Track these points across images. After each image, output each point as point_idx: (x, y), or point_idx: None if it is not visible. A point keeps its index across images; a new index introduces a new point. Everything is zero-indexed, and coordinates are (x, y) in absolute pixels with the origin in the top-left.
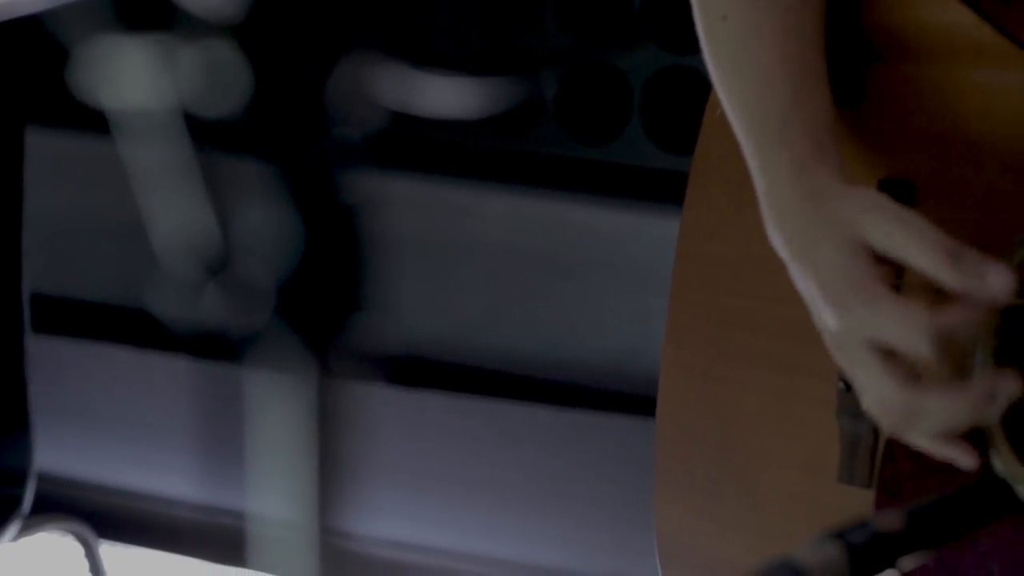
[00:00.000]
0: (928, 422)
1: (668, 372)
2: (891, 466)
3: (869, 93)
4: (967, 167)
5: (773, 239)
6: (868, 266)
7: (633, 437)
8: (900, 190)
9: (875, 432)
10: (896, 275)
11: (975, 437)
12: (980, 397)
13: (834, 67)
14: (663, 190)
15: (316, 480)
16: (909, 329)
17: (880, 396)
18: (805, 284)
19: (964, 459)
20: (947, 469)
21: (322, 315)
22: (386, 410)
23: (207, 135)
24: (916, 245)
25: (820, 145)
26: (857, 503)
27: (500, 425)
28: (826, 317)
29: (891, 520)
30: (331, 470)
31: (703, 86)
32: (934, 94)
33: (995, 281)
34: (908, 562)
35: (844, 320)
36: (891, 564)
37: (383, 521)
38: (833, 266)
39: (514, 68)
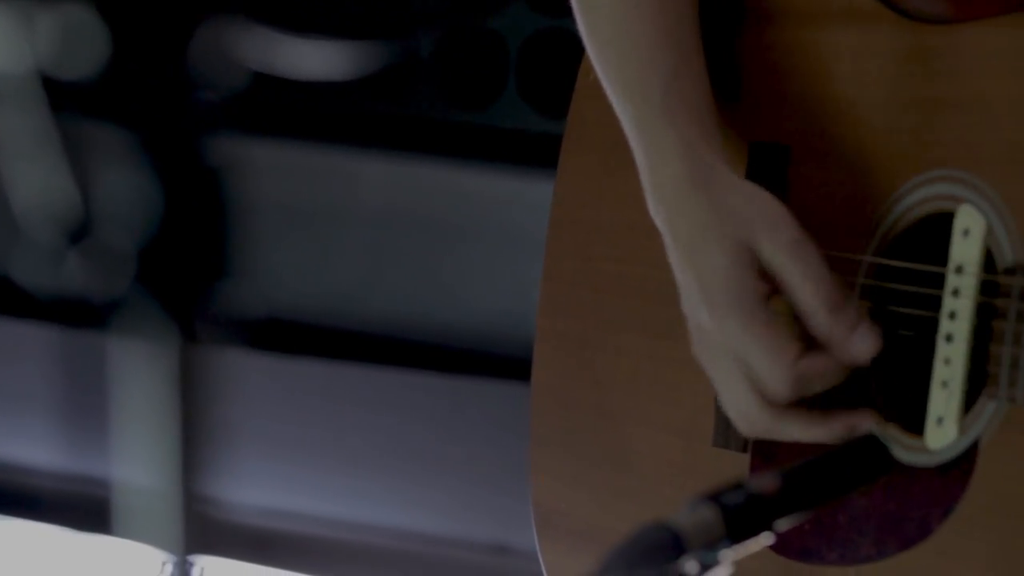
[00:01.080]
0: (786, 437)
1: (543, 339)
2: None
3: (741, 58)
4: (840, 129)
5: (655, 215)
6: (753, 281)
7: (511, 402)
8: (774, 154)
9: None
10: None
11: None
12: (839, 433)
13: (706, 34)
14: (540, 154)
15: (180, 447)
16: (775, 365)
17: (740, 409)
18: (683, 272)
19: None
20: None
21: (185, 281)
22: (259, 377)
23: (66, 99)
24: (803, 281)
25: (704, 122)
26: (733, 467)
27: (375, 391)
28: (699, 314)
29: (766, 482)
30: (196, 437)
31: (579, 49)
32: (806, 57)
33: (862, 345)
34: (783, 524)
35: (716, 326)
36: (767, 526)
37: (253, 488)
38: (717, 268)
39: (388, 30)
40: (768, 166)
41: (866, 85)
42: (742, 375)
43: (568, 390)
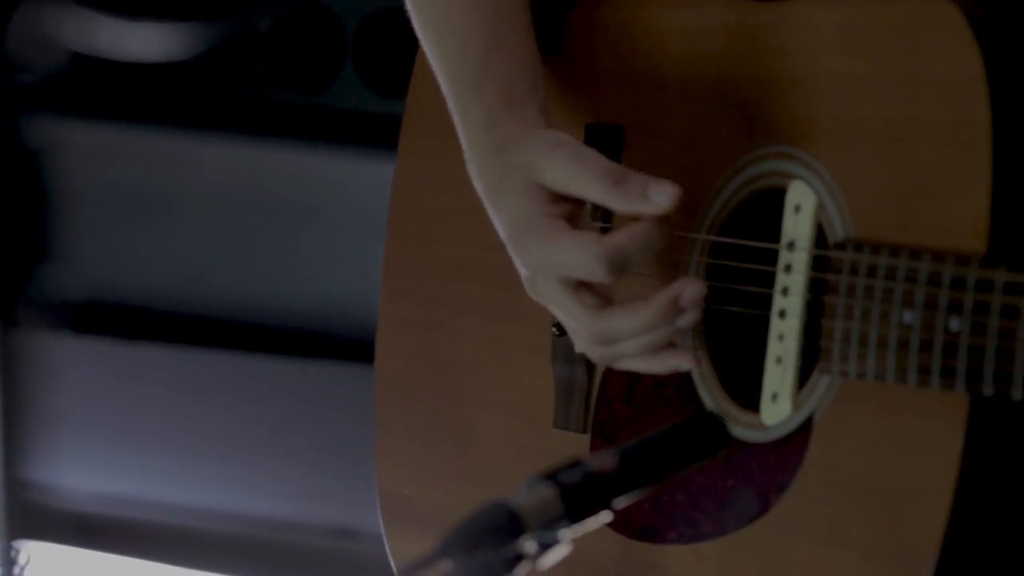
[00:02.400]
0: (629, 343)
1: (385, 325)
2: (606, 410)
3: (573, 39)
4: (674, 107)
5: (476, 187)
6: (544, 206)
7: (355, 385)
8: (607, 133)
9: (589, 377)
10: (603, 219)
11: (681, 378)
12: (665, 306)
13: (537, 15)
14: (379, 134)
15: (1, 433)
16: (583, 256)
17: (577, 328)
18: (499, 230)
19: (685, 363)
20: (660, 412)
21: (4, 265)
22: (90, 362)
23: None
24: (584, 176)
25: (513, 96)
26: (574, 448)
27: (215, 375)
28: (516, 260)
29: (604, 460)
30: (19, 422)
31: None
32: (639, 37)
33: (657, 197)
34: (622, 501)
35: (528, 260)
36: (605, 504)
37: (81, 474)
38: (514, 210)
39: (222, 10)
40: (603, 146)
41: (699, 64)
42: (564, 287)
43: (411, 375)
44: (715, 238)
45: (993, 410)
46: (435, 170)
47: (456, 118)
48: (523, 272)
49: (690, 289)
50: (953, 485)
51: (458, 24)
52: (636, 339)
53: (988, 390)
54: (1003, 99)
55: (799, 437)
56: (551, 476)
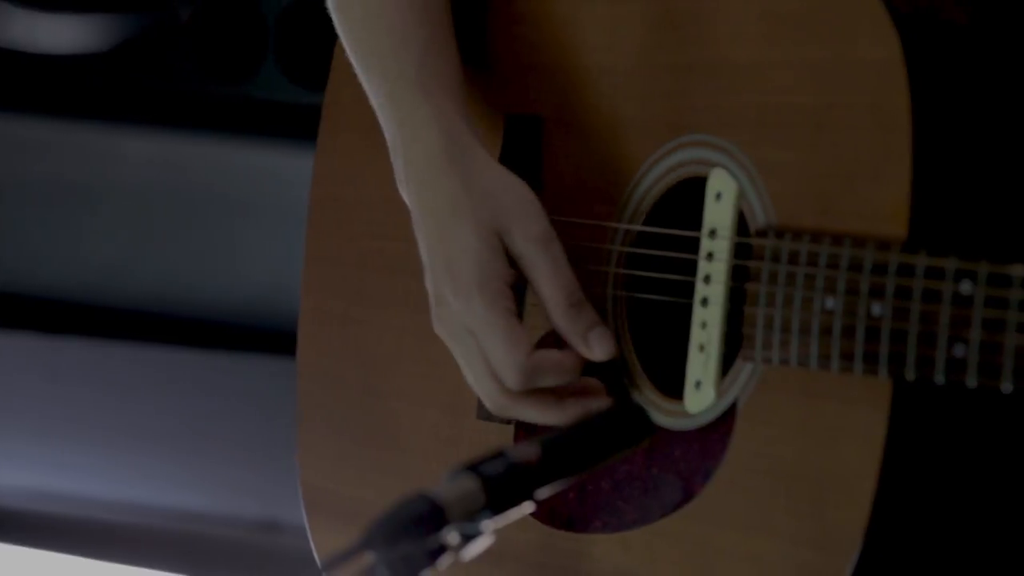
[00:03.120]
0: (525, 419)
1: (307, 318)
2: None
3: (493, 31)
4: (593, 98)
5: (403, 189)
6: (501, 266)
7: (279, 377)
8: (527, 125)
9: None
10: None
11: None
12: (573, 415)
13: (457, 7)
14: (301, 126)
15: None
16: (508, 355)
17: (480, 387)
18: (430, 247)
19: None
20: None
21: None
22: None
23: None
24: (549, 275)
25: (456, 96)
26: (498, 440)
27: (139, 368)
28: (443, 288)
29: (526, 451)
30: None
31: None
32: (558, 27)
33: (596, 346)
34: (545, 492)
35: (460, 305)
36: (528, 495)
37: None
38: (468, 248)
39: (142, 1)
40: (522, 137)
41: (618, 53)
42: (479, 354)
43: (334, 368)
44: (637, 227)
45: (916, 395)
46: (355, 164)
47: (390, 115)
48: (442, 300)
49: (600, 402)
50: (877, 470)
51: (396, 21)
52: (534, 418)
53: (911, 375)
54: (922, 84)
55: (723, 424)
56: (473, 467)
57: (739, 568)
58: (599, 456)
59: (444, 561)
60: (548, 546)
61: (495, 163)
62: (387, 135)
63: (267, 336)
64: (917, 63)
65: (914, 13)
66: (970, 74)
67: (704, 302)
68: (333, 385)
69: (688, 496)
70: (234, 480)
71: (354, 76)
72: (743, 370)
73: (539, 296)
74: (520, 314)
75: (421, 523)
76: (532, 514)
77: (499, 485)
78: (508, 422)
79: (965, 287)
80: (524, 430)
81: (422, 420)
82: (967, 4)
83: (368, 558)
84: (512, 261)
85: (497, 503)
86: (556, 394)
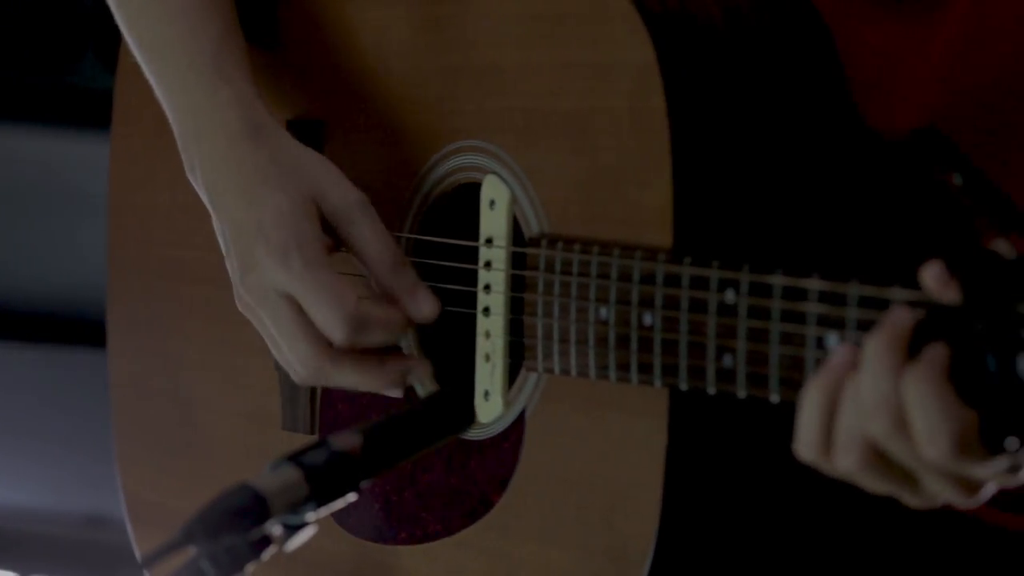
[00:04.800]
0: (339, 382)
1: (114, 327)
2: (331, 411)
3: (281, 33)
4: (370, 103)
5: (194, 176)
6: (317, 230)
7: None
8: (308, 130)
9: None
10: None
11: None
12: (394, 378)
13: (247, 8)
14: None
15: None
16: (334, 306)
17: (292, 351)
18: (233, 220)
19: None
20: (383, 408)
21: None
22: None
23: None
24: (370, 236)
25: (253, 81)
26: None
27: None
28: (253, 252)
29: (348, 440)
30: None
31: None
32: (335, 31)
33: (423, 304)
34: (368, 481)
35: (275, 263)
36: (352, 485)
37: None
38: (282, 212)
39: None
40: (304, 142)
41: (391, 57)
42: (294, 316)
43: (144, 378)
44: (416, 236)
45: (696, 403)
46: (148, 168)
47: (185, 104)
48: (254, 269)
49: (419, 370)
50: (661, 479)
51: (187, 11)
52: (350, 383)
53: (684, 385)
54: (679, 86)
55: (514, 434)
56: (295, 457)
57: None
58: (421, 444)
59: (268, 553)
60: (360, 558)
61: (296, 141)
62: (177, 129)
63: (86, 328)
64: (673, 65)
65: (666, 13)
66: (727, 76)
67: (486, 311)
68: (145, 394)
69: (487, 507)
70: (58, 475)
71: (141, 76)
72: (528, 380)
73: (362, 258)
74: None
75: (244, 515)
76: (342, 526)
77: (322, 475)
78: (313, 431)
79: (729, 296)
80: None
81: (231, 431)
82: (721, 2)
83: (190, 552)
84: (328, 230)
85: (321, 493)
86: (378, 357)
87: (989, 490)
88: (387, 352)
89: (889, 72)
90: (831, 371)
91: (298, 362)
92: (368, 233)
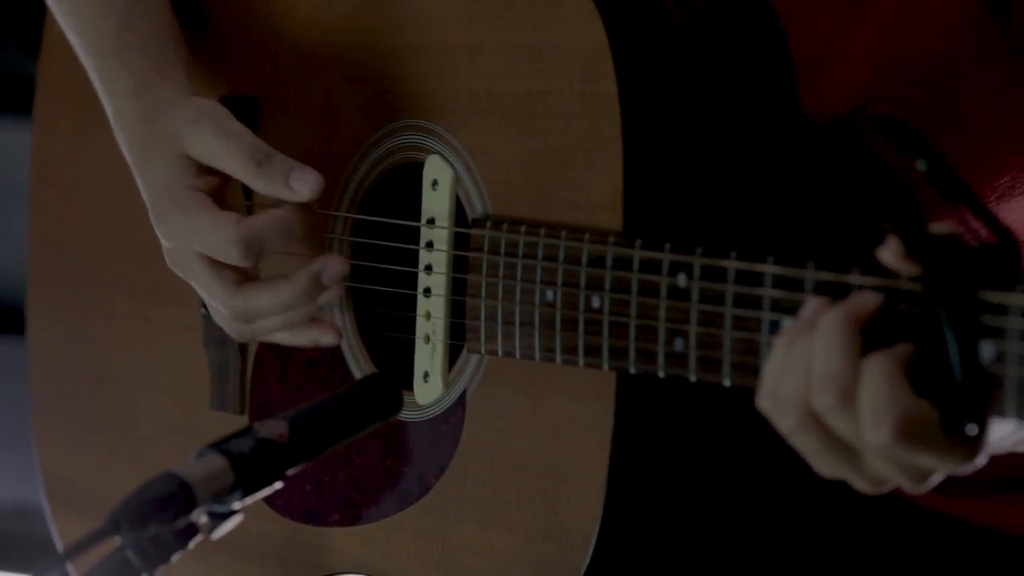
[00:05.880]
0: (269, 320)
1: (34, 304)
2: (261, 390)
3: (212, 9)
4: (308, 79)
5: (127, 157)
6: (190, 178)
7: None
8: (242, 106)
9: (243, 357)
10: (245, 196)
11: (341, 359)
12: (306, 284)
13: None
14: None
15: None
16: (219, 237)
17: (216, 304)
18: (144, 196)
19: (326, 337)
20: (315, 392)
21: None
22: None
23: None
24: (227, 152)
25: (160, 61)
26: (234, 428)
27: None
28: (157, 228)
29: (274, 427)
30: None
31: None
32: (271, 8)
33: (298, 184)
34: (295, 468)
35: (169, 232)
36: (279, 473)
37: None
38: (159, 180)
39: None
40: (239, 119)
41: (329, 34)
42: (204, 263)
43: (66, 355)
44: (356, 215)
45: (643, 387)
46: (74, 144)
47: (100, 87)
48: (164, 244)
49: (331, 267)
50: (606, 463)
51: None
52: (276, 316)
53: (632, 368)
54: (631, 71)
55: (454, 416)
56: (221, 445)
57: (476, 562)
58: (348, 431)
59: (194, 542)
60: (290, 539)
61: (189, 98)
62: (105, 108)
63: (5, 314)
64: (625, 49)
65: None
66: (679, 61)
67: (427, 292)
68: (66, 372)
69: (424, 490)
70: None
71: (67, 51)
72: (470, 361)
73: (230, 173)
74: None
75: (170, 503)
76: (273, 508)
77: (248, 463)
78: (243, 411)
79: (681, 280)
80: (258, 418)
81: (156, 410)
82: None
83: (114, 542)
84: (208, 171)
85: (247, 482)
86: (286, 277)
87: (936, 478)
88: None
89: (826, 54)
90: (801, 324)
91: (221, 306)
92: (224, 147)
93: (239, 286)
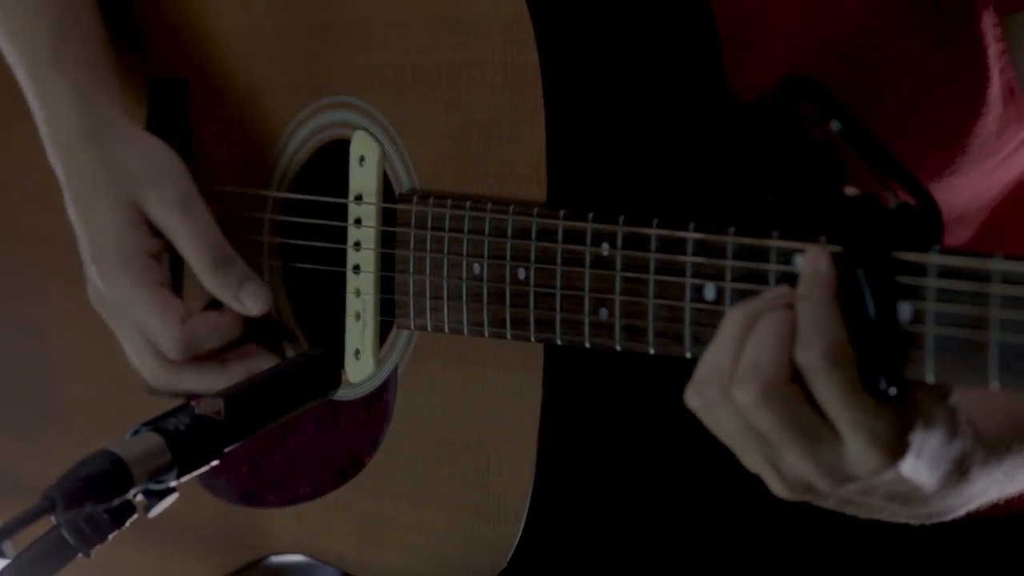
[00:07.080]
0: (189, 390)
1: None
2: None
3: None
4: (234, 59)
5: (55, 167)
6: (142, 239)
7: None
8: (171, 88)
9: None
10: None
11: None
12: (239, 373)
13: None
14: None
15: None
16: (164, 330)
17: (141, 363)
18: (77, 226)
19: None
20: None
21: None
22: None
23: None
24: (189, 238)
25: (96, 66)
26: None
27: None
28: (91, 270)
29: (210, 405)
30: None
31: None
32: None
33: (250, 301)
34: (232, 446)
35: (110, 287)
36: (216, 450)
37: None
38: (108, 226)
39: None
40: (168, 101)
41: (255, 13)
42: (137, 331)
43: (4, 344)
44: (283, 195)
45: (572, 358)
46: (10, 133)
47: (32, 94)
48: (99, 287)
49: (265, 363)
50: (536, 436)
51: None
52: (199, 387)
53: (559, 340)
54: (551, 39)
55: (386, 393)
56: (157, 423)
57: (410, 539)
58: (285, 408)
59: (130, 521)
60: (227, 521)
61: (138, 133)
62: (33, 112)
63: None
64: (545, 18)
65: None
66: (601, 30)
67: (356, 269)
68: (4, 360)
69: (358, 467)
70: None
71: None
72: (400, 338)
73: (187, 260)
74: (179, 283)
75: (106, 482)
76: (209, 490)
77: (184, 441)
78: (176, 395)
79: (605, 249)
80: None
81: (94, 396)
82: None
83: (49, 521)
84: (157, 232)
85: (183, 459)
86: (219, 360)
87: (854, 487)
88: (233, 347)
89: (754, 29)
90: (763, 299)
91: (144, 370)
92: (186, 238)
93: (170, 367)
